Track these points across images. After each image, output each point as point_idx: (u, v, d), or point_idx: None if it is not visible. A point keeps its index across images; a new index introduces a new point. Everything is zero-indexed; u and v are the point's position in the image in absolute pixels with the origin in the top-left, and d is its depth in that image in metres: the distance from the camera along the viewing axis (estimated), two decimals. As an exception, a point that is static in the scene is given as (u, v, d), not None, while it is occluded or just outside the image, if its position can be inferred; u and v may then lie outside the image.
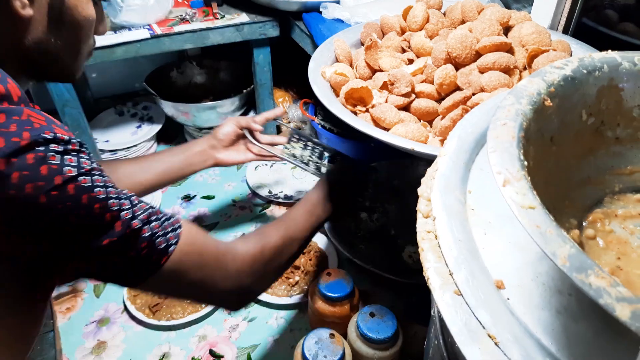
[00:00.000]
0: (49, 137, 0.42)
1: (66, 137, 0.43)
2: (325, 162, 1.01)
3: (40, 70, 0.54)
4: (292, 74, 1.63)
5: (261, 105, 1.38)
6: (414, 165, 1.29)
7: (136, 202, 0.49)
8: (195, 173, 0.95)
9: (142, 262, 0.49)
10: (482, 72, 0.72)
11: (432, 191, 0.45)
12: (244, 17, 1.19)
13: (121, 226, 0.46)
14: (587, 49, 0.81)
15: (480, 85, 0.71)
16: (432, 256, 0.39)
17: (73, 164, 0.43)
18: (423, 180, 0.48)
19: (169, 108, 1.36)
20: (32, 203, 0.41)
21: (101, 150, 1.35)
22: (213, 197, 1.29)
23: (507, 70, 0.71)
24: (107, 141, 1.40)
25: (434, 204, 0.43)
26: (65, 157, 0.42)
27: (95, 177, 0.45)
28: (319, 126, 1.39)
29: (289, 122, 1.57)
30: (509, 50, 0.73)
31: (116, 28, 1.13)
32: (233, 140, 0.97)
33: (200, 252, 0.55)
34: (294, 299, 1.00)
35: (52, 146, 0.42)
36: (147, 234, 0.49)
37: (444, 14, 0.91)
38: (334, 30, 1.01)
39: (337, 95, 0.79)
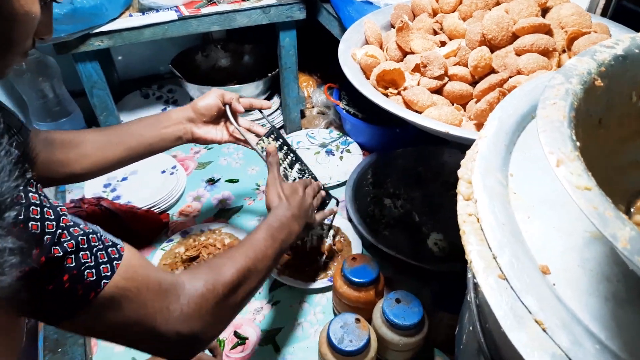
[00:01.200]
0: None
1: None
2: (294, 172, 0.96)
3: None
4: (317, 58, 1.61)
5: (286, 89, 1.37)
6: (438, 152, 1.27)
7: (65, 225, 0.42)
8: (167, 150, 0.88)
9: (65, 296, 0.42)
10: (519, 54, 0.70)
11: (472, 173, 0.43)
12: (270, 0, 1.18)
13: (37, 254, 0.39)
14: (627, 32, 0.78)
15: (517, 68, 0.68)
16: (475, 239, 0.38)
17: None
18: (463, 162, 0.46)
19: (194, 91, 1.36)
20: None
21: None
22: (237, 181, 1.30)
23: (546, 53, 0.68)
24: (133, 124, 1.42)
25: (475, 186, 0.42)
26: None
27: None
28: (344, 111, 1.38)
29: (317, 108, 1.55)
30: (548, 32, 0.71)
31: (144, 9, 1.13)
32: (214, 115, 0.88)
33: (139, 288, 0.48)
34: (318, 283, 1.00)
35: None
36: (73, 265, 0.42)
37: (478, -5, 0.89)
38: (362, 13, 0.99)
39: (368, 77, 0.78)
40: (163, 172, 1.25)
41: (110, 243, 0.48)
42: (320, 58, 1.62)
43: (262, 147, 0.90)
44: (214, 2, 1.16)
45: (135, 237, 1.08)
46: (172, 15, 1.10)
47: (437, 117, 0.65)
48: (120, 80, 1.59)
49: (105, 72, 1.19)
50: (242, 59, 1.58)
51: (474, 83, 0.74)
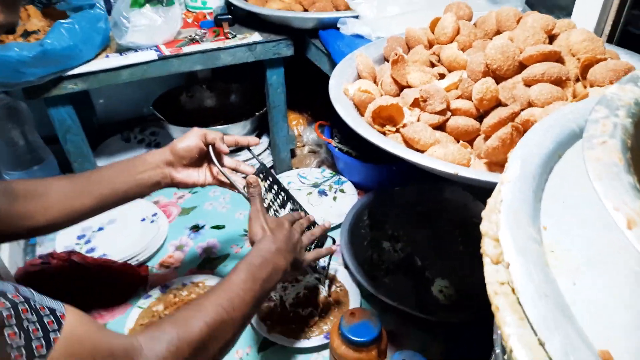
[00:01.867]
0: None
1: None
2: (287, 213, 0.88)
3: None
4: (306, 94, 1.56)
5: (275, 128, 1.30)
6: (439, 188, 1.20)
7: None
8: (144, 196, 0.80)
9: None
10: (528, 85, 0.63)
11: (499, 228, 0.35)
12: (256, 37, 1.13)
13: None
14: (638, 58, 0.72)
15: (527, 100, 0.62)
16: (512, 318, 0.30)
17: None
18: (484, 214, 0.38)
19: (177, 133, 1.29)
20: None
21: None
22: (223, 227, 1.20)
23: (559, 82, 0.62)
24: (112, 168, 1.33)
25: (505, 245, 0.34)
26: None
27: None
28: (336, 149, 1.31)
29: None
30: (558, 60, 0.65)
31: (122, 50, 1.07)
32: (195, 157, 0.80)
33: None
34: (313, 341, 0.90)
35: None
36: None
37: (474, 25, 0.84)
38: (353, 47, 0.93)
39: (362, 114, 0.71)
40: (143, 220, 1.16)
41: (47, 311, 0.41)
42: (310, 94, 1.57)
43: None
44: (197, 41, 1.10)
45: (109, 295, 0.98)
46: (152, 55, 1.04)
47: (442, 157, 0.58)
48: (100, 124, 1.52)
49: (83, 116, 1.12)
50: (228, 98, 1.52)
51: (479, 117, 0.68)
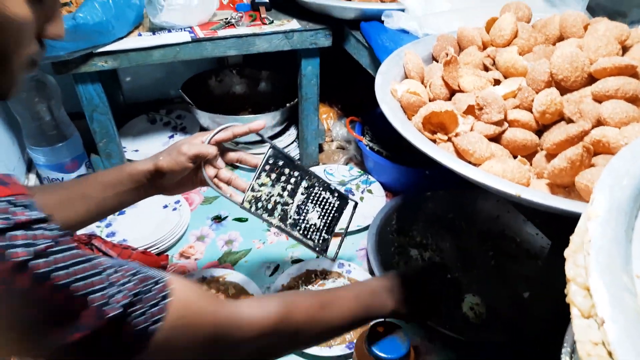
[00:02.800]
0: None
1: (10, 202, 0.33)
2: (299, 197, 0.84)
3: None
4: (339, 87, 1.51)
5: (304, 121, 1.25)
6: (472, 196, 1.14)
7: (113, 274, 0.40)
8: (131, 205, 0.75)
9: (118, 350, 0.40)
10: (598, 100, 0.58)
11: (589, 275, 0.30)
12: (294, 24, 1.08)
13: (91, 316, 0.37)
14: None
15: (596, 117, 0.56)
16: (615, 391, 0.25)
17: (21, 242, 0.33)
18: (567, 253, 0.33)
19: (204, 119, 1.25)
20: None
21: (129, 160, 1.25)
22: (246, 220, 1.17)
23: (634, 100, 0.56)
24: (136, 151, 1.31)
25: (598, 298, 0.29)
26: (10, 235, 0.32)
27: (56, 255, 0.35)
28: (367, 147, 1.26)
29: (333, 139, 1.44)
30: (634, 75, 0.59)
31: (155, 29, 1.03)
32: (179, 178, 0.74)
33: (194, 326, 0.45)
34: (335, 350, 0.86)
35: None
36: (125, 317, 0.39)
37: (533, 27, 0.78)
38: (397, 42, 0.88)
39: (410, 117, 0.66)
40: (165, 207, 1.13)
41: (156, 279, 0.43)
42: (343, 87, 1.51)
43: (251, 200, 0.80)
44: (232, 25, 1.05)
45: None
46: (185, 37, 1.00)
47: (500, 174, 0.53)
48: (127, 103, 1.49)
49: (110, 94, 1.09)
50: (258, 85, 1.48)
51: (538, 131, 0.62)
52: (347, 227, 0.95)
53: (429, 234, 1.11)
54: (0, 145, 1.07)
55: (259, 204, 0.81)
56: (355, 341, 0.79)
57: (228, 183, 0.79)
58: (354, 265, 1.01)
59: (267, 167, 0.81)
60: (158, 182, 0.73)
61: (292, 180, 0.83)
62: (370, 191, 1.26)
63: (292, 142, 1.37)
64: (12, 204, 0.34)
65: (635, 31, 0.66)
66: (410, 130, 0.60)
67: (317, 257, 0.83)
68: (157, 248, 1.03)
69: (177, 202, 1.15)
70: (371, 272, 0.98)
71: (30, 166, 1.20)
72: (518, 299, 0.96)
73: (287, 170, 0.82)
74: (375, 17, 0.99)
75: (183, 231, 1.10)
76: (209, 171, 0.76)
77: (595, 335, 0.28)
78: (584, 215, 0.35)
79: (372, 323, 0.78)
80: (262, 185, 0.81)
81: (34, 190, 0.71)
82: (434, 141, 0.61)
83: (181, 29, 1.03)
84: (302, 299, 0.58)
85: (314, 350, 0.85)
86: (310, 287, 0.97)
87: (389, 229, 1.10)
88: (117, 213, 1.09)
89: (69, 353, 0.37)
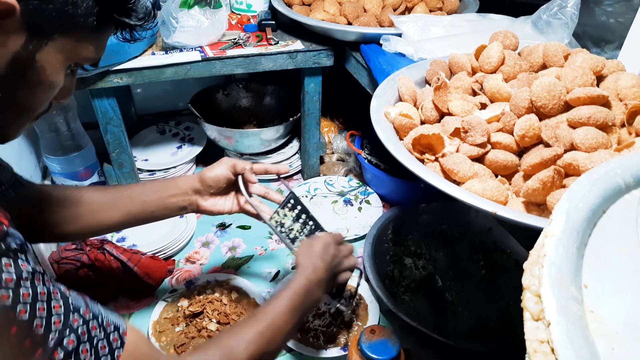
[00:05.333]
0: None
1: None
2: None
3: None
4: (339, 102, 1.57)
5: (307, 134, 1.31)
6: (464, 209, 1.20)
7: (72, 311, 0.41)
8: (169, 217, 0.82)
9: None
10: (572, 126, 0.63)
11: (542, 285, 0.36)
12: (298, 45, 1.14)
13: (40, 356, 0.37)
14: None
15: (570, 142, 0.62)
16: (551, 380, 0.31)
17: None
18: (526, 265, 0.39)
19: (211, 131, 1.32)
20: None
21: (139, 169, 1.31)
22: (249, 228, 1.23)
23: (604, 127, 0.62)
24: (146, 160, 1.37)
25: (547, 304, 0.34)
26: None
27: (22, 289, 0.37)
28: (365, 160, 1.32)
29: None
30: (605, 103, 0.64)
31: (167, 48, 1.10)
32: (222, 187, 0.81)
33: None
34: (330, 352, 0.91)
35: None
36: None
37: (519, 54, 0.84)
38: (394, 65, 0.94)
39: (402, 138, 0.72)
40: (173, 214, 1.19)
41: (112, 328, 0.44)
42: (343, 102, 1.58)
43: (277, 221, 0.84)
44: (240, 45, 1.12)
45: (137, 285, 1.01)
46: (195, 56, 1.07)
47: (480, 192, 0.59)
48: (138, 115, 1.56)
49: (123, 106, 1.16)
50: (263, 99, 1.55)
51: (519, 153, 0.68)
52: (357, 289, 0.93)
53: (423, 244, 1.16)
54: (19, 154, 1.13)
55: (282, 230, 0.84)
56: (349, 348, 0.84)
57: (263, 197, 0.86)
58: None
59: (290, 205, 0.85)
60: (200, 192, 0.79)
61: (309, 225, 0.87)
62: (368, 202, 1.32)
63: (295, 154, 1.43)
64: None
65: (610, 62, 0.72)
66: (400, 151, 0.66)
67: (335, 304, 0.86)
68: (164, 253, 1.08)
69: (185, 210, 1.20)
70: (367, 280, 1.03)
71: (45, 174, 1.26)
72: (506, 309, 1.01)
73: (304, 216, 0.86)
74: (374, 40, 1.05)
75: (189, 237, 1.16)
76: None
77: (542, 334, 0.34)
78: (542, 233, 0.41)
79: (364, 327, 0.83)
80: (285, 216, 0.85)
81: (89, 189, 0.77)
82: (422, 161, 0.67)
83: (192, 48, 1.09)
84: (239, 341, 0.57)
85: (310, 352, 0.90)
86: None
87: (385, 239, 1.15)
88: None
89: None
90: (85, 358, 0.41)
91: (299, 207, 0.86)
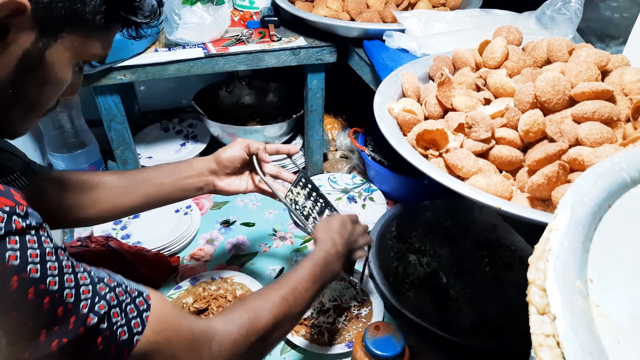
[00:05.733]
0: None
1: (7, 211, 0.36)
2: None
3: None
4: (343, 99, 1.57)
5: (310, 131, 1.31)
6: (468, 206, 1.20)
7: (97, 282, 0.42)
8: (186, 199, 0.84)
9: (98, 358, 0.42)
10: (577, 121, 0.63)
11: (547, 279, 0.36)
12: (301, 41, 1.14)
13: (74, 323, 0.39)
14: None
15: (575, 137, 0.61)
16: (557, 373, 0.31)
17: (16, 247, 0.36)
18: (531, 260, 0.39)
19: (215, 128, 1.32)
20: None
21: (143, 166, 1.32)
22: (253, 225, 1.23)
23: (609, 122, 0.62)
24: (150, 157, 1.37)
25: (552, 298, 0.34)
26: (7, 240, 0.36)
27: (49, 263, 0.38)
28: (369, 157, 1.32)
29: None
30: (610, 98, 0.64)
31: (170, 45, 1.10)
32: (237, 167, 0.83)
33: (171, 340, 0.48)
34: (335, 348, 0.91)
35: None
36: (105, 326, 0.42)
37: (523, 49, 0.83)
38: (397, 61, 0.94)
39: (405, 133, 0.72)
40: (177, 211, 1.19)
41: (136, 293, 0.46)
42: (347, 99, 1.58)
43: (291, 199, 0.85)
44: (243, 41, 1.12)
45: (141, 282, 1.01)
46: (198, 53, 1.07)
47: (485, 188, 0.58)
48: (141, 112, 1.56)
49: (126, 104, 1.16)
50: (266, 97, 1.55)
51: (523, 148, 0.68)
52: (364, 266, 0.95)
53: (427, 241, 1.16)
54: (24, 151, 1.13)
55: (296, 207, 0.85)
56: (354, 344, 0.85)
57: (276, 177, 0.87)
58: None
59: (301, 184, 0.87)
60: (216, 172, 0.81)
61: (319, 203, 0.89)
62: (372, 199, 1.32)
63: (298, 151, 1.43)
64: (11, 214, 0.37)
65: (615, 57, 0.72)
66: (404, 147, 0.66)
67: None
68: (169, 250, 1.09)
69: (189, 207, 1.21)
70: (371, 276, 1.04)
71: (49, 171, 1.27)
72: (511, 305, 1.01)
73: (315, 194, 0.89)
74: (377, 37, 1.05)
75: (194, 234, 1.16)
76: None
77: (548, 328, 0.34)
78: (547, 227, 0.41)
79: (369, 324, 0.83)
80: (298, 194, 0.86)
81: (106, 173, 0.79)
82: (427, 156, 0.67)
83: (195, 45, 1.09)
84: (264, 303, 0.59)
85: (315, 349, 0.91)
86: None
87: (389, 235, 1.15)
88: (132, 217, 1.16)
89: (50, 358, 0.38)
90: (117, 321, 0.43)
91: (309, 186, 0.88)
